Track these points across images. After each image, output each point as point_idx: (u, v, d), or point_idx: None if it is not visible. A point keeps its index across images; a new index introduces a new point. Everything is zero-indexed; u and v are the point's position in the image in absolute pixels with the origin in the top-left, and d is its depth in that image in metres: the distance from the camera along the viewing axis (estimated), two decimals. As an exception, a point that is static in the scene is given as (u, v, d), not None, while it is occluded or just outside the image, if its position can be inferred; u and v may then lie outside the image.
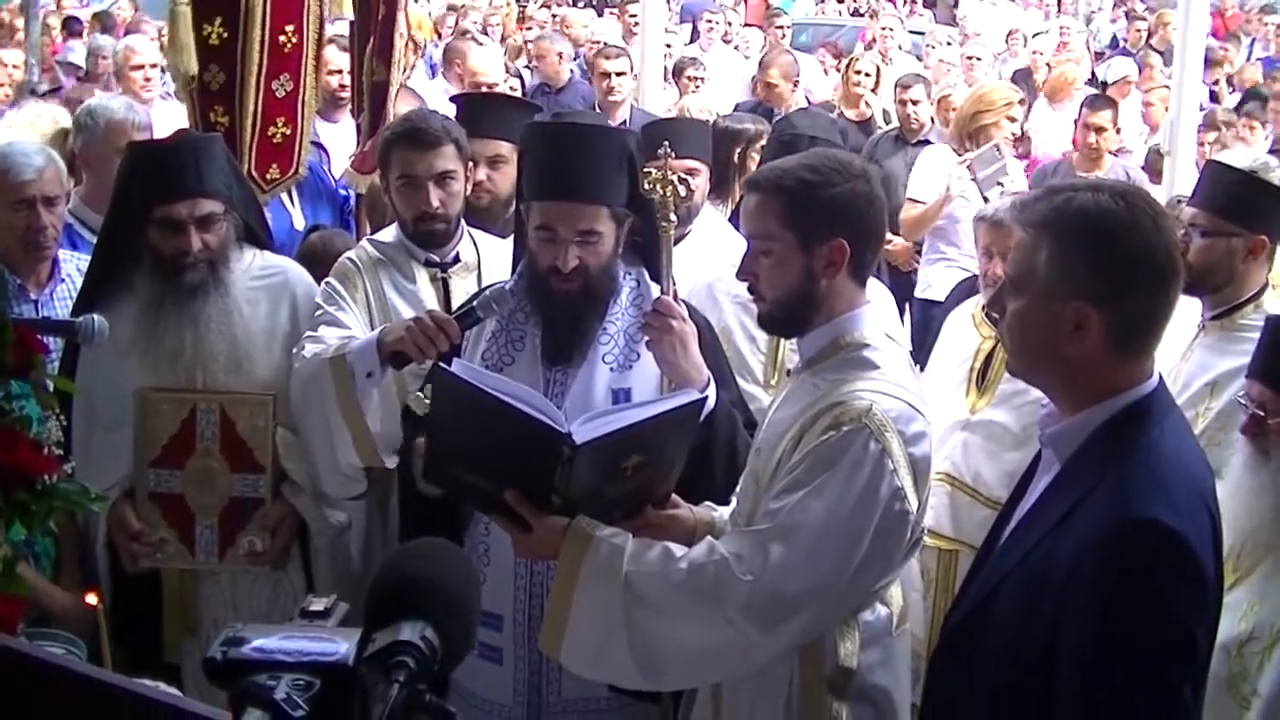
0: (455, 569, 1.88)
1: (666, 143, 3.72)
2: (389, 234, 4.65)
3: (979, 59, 13.12)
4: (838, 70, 12.02)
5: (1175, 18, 10.83)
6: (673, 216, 3.71)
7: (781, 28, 14.69)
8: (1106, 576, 2.52)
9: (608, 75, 9.00)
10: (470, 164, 4.60)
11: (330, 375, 4.06)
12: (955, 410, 4.79)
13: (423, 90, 10.01)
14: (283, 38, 5.20)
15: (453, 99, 6.36)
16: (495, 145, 4.98)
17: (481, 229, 4.70)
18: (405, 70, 6.53)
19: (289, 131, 5.36)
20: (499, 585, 3.78)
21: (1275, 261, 4.67)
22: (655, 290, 3.81)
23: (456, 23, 14.82)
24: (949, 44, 14.89)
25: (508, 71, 10.06)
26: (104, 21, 14.49)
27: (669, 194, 3.66)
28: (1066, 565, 2.58)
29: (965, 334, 5.06)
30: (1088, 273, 2.64)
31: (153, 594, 4.27)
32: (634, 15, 12.40)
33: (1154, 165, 9.36)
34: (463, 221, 4.63)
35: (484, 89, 8.16)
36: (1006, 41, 16.12)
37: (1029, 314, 2.71)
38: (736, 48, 14.74)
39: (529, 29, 15.35)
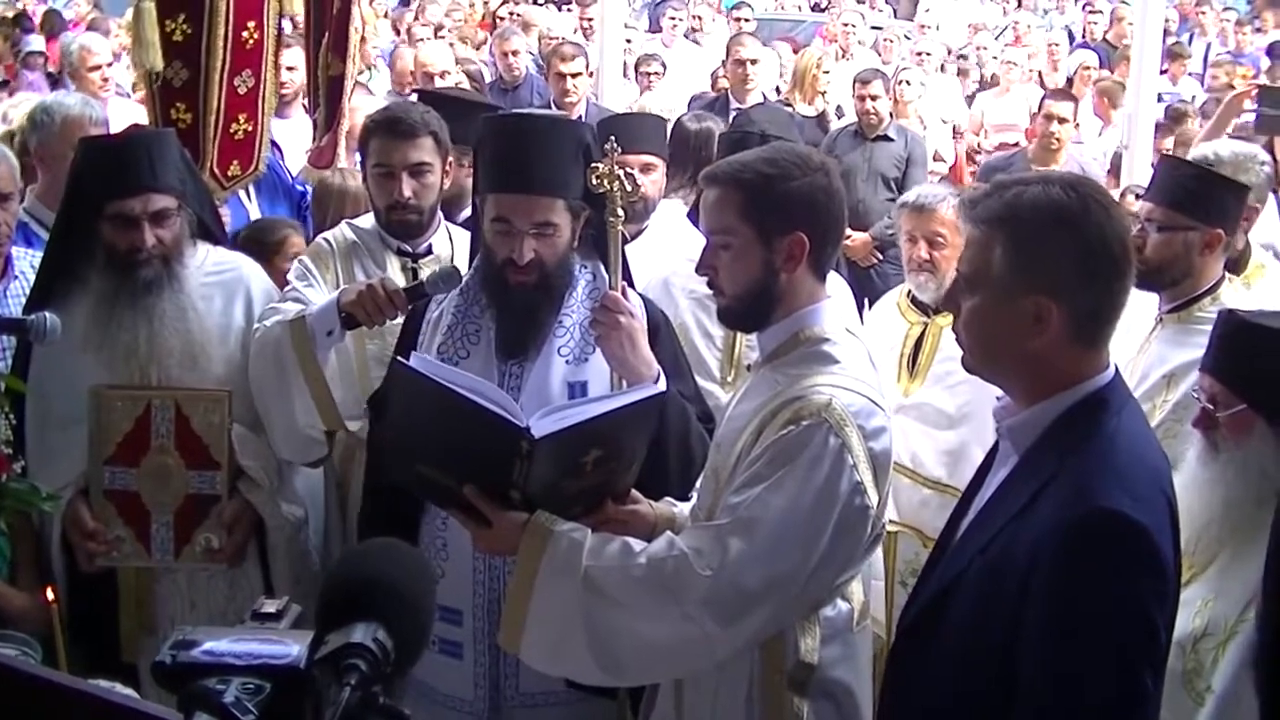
0: (408, 569, 1.87)
1: (614, 137, 3.72)
2: (367, 220, 4.70)
3: (929, 54, 13.18)
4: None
5: (1133, 12, 10.89)
6: (620, 211, 3.71)
7: (740, 20, 14.66)
8: (1068, 566, 2.52)
9: (563, 77, 8.97)
10: (449, 158, 4.61)
11: (290, 337, 4.09)
12: (888, 396, 4.84)
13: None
14: (245, 34, 5.21)
15: (413, 91, 6.37)
16: None
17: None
18: (360, 64, 6.53)
19: (250, 128, 5.37)
20: (458, 580, 3.78)
21: (1251, 255, 4.70)
22: None
23: (416, 18, 14.76)
24: (907, 38, 14.95)
25: (471, 77, 9.99)
26: (52, 21, 14.33)
27: (616, 189, 3.66)
28: (1027, 555, 2.58)
29: (892, 321, 5.18)
30: (1045, 265, 2.64)
31: (109, 593, 4.24)
32: (590, 17, 12.43)
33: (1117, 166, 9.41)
34: (439, 214, 4.65)
35: (434, 79, 8.14)
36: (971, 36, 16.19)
37: (986, 310, 2.71)
38: (697, 41, 14.71)
39: (492, 27, 15.29)
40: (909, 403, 4.91)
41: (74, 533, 4.14)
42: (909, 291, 5.17)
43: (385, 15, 16.43)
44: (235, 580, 4.32)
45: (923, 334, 5.03)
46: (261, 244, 5.13)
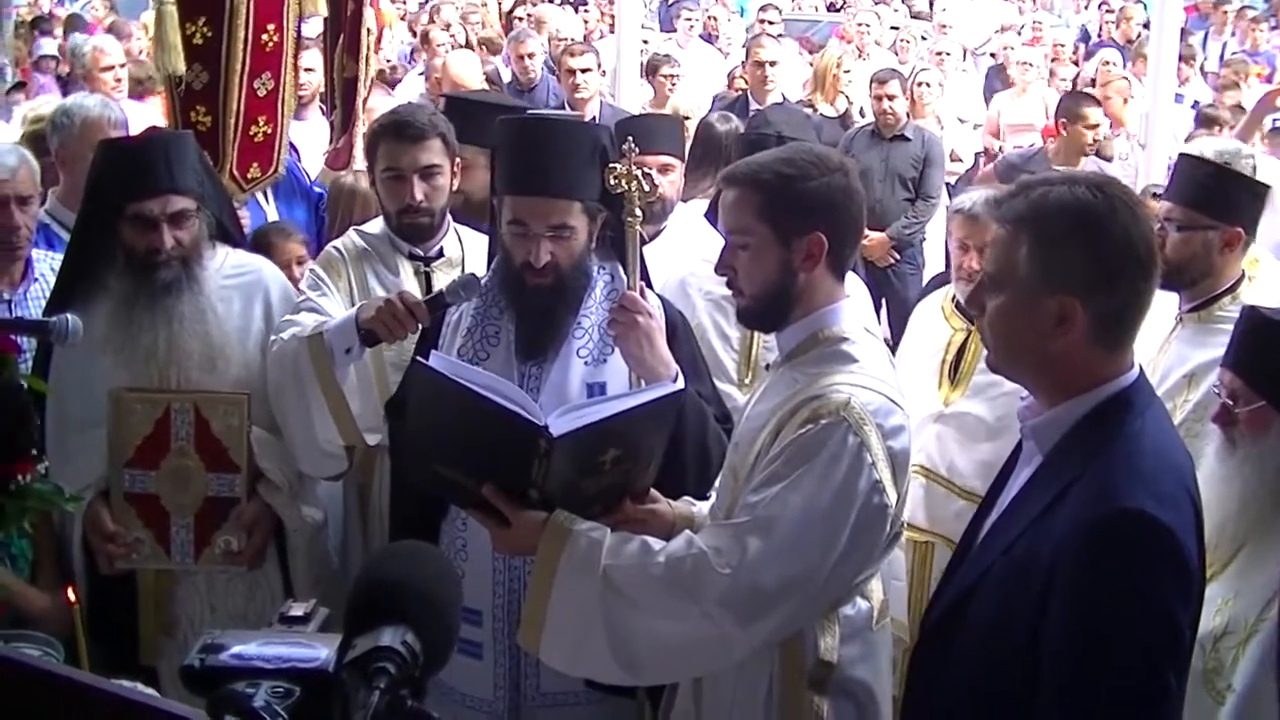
0: (436, 572, 1.87)
1: (631, 138, 3.72)
2: (376, 225, 4.69)
3: (947, 53, 13.17)
4: (810, 65, 12.05)
5: (1151, 11, 10.86)
6: (638, 211, 3.71)
7: (766, 21, 14.66)
8: (1093, 566, 2.52)
9: (573, 72, 9.01)
10: (456, 160, 4.60)
11: (308, 353, 4.09)
12: (928, 403, 4.80)
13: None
14: (265, 36, 5.22)
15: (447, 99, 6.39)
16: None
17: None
18: (373, 65, 6.54)
19: (270, 130, 5.38)
20: (477, 580, 3.78)
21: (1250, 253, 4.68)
22: None
23: (430, 20, 14.76)
24: (924, 38, 14.93)
25: (489, 79, 10.02)
26: (75, 24, 14.36)
27: (634, 189, 3.66)
28: (1050, 556, 2.58)
29: (935, 326, 5.07)
30: (1071, 266, 2.63)
31: (129, 595, 4.25)
32: (609, 15, 12.44)
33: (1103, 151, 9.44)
34: (449, 216, 4.64)
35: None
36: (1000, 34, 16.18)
37: (1011, 310, 2.70)
38: (714, 40, 14.72)
39: (507, 28, 15.28)
40: (949, 412, 4.82)
41: (94, 535, 4.15)
42: (954, 296, 5.07)
43: (403, 18, 16.44)
44: (255, 582, 4.33)
45: (965, 341, 4.92)
46: (255, 248, 5.17)
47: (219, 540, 4.19)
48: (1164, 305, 4.44)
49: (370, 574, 1.86)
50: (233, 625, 3.98)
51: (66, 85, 11.31)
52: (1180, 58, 12.13)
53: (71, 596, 3.24)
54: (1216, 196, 4.44)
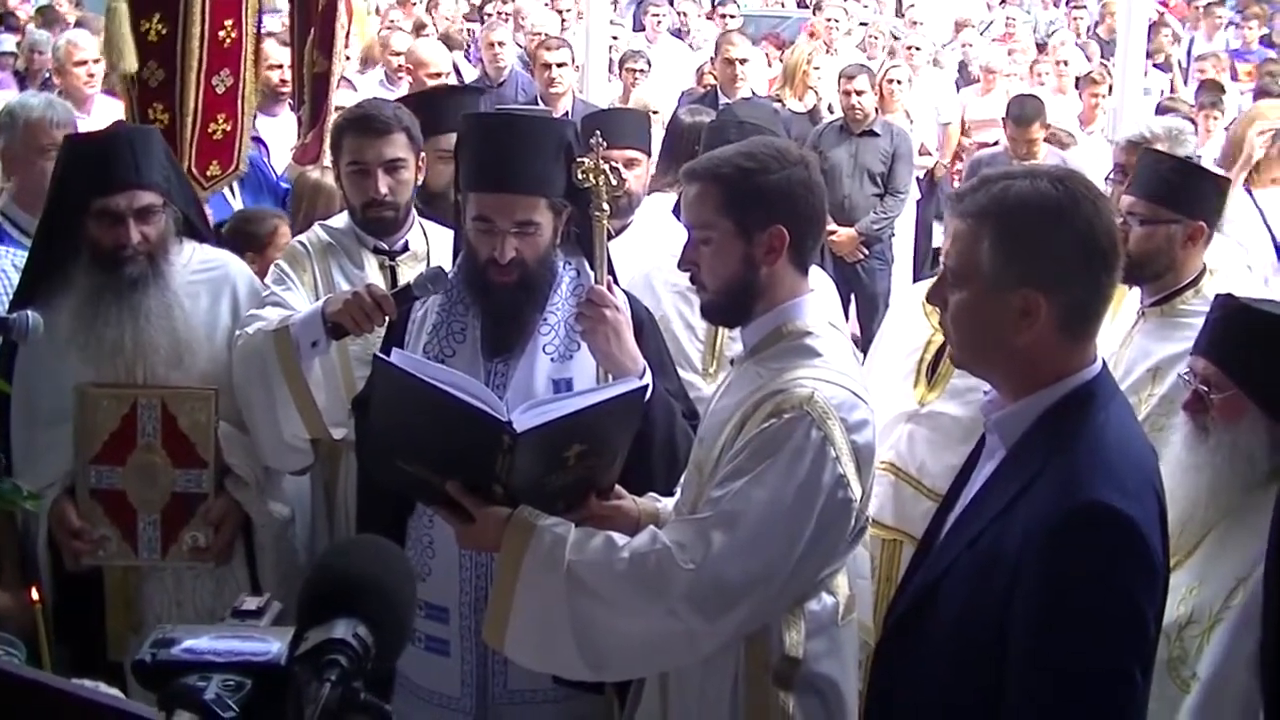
0: (389, 565, 1.87)
1: (599, 132, 3.72)
2: (340, 220, 4.69)
3: (917, 48, 13.20)
4: (780, 61, 12.06)
5: (1119, 6, 10.90)
6: (605, 206, 3.71)
7: (726, 16, 14.66)
8: (1058, 560, 2.52)
9: (549, 66, 9.01)
10: (421, 154, 4.61)
11: (274, 347, 4.09)
12: (902, 401, 4.78)
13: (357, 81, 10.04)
14: (222, 33, 5.20)
15: (404, 100, 6.39)
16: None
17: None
18: (345, 62, 6.53)
19: (229, 128, 5.36)
20: (444, 577, 3.78)
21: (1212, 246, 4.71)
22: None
23: (415, 21, 14.72)
24: (896, 37, 14.96)
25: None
26: (47, 15, 14.27)
27: (601, 184, 3.66)
28: (1015, 551, 2.58)
29: (915, 323, 5.02)
30: (1034, 259, 2.64)
31: (96, 592, 4.24)
32: (566, 9, 12.46)
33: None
34: (413, 211, 4.64)
35: (431, 79, 8.16)
36: (957, 32, 16.21)
37: (974, 304, 2.70)
38: (685, 36, 14.73)
39: (477, 22, 15.25)
40: (923, 411, 4.74)
41: (59, 531, 4.13)
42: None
43: (376, 12, 16.40)
44: (222, 579, 4.31)
45: (945, 342, 4.91)
46: (251, 236, 5.15)
47: (186, 536, 4.18)
48: (1126, 299, 4.47)
49: (322, 568, 1.87)
50: (200, 622, 3.98)
51: (24, 81, 11.27)
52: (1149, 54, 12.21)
53: (35, 596, 3.22)
54: (1179, 190, 4.46)
